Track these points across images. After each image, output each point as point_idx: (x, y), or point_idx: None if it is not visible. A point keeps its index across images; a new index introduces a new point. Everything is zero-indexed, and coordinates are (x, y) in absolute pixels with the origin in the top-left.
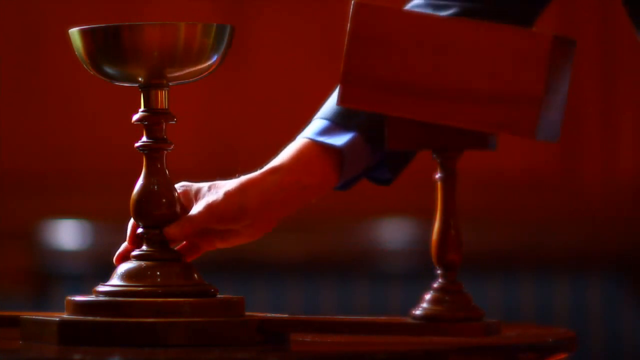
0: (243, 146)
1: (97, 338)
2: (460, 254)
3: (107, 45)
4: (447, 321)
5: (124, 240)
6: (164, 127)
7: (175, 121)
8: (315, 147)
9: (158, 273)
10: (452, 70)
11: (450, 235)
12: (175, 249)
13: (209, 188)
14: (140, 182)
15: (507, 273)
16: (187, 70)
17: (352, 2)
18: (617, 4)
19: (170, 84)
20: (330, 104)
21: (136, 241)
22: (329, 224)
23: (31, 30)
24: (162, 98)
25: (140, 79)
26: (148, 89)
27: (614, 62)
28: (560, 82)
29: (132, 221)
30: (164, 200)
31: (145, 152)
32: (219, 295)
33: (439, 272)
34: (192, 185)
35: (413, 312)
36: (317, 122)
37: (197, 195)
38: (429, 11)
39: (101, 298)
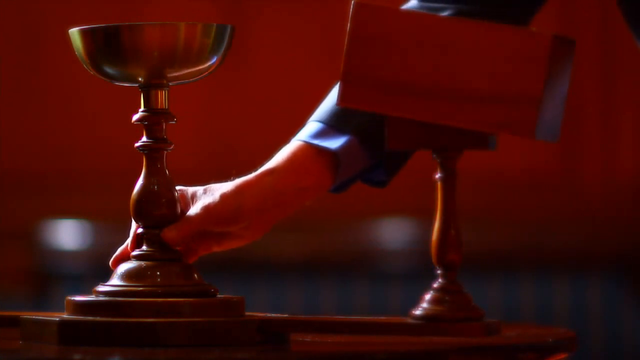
0: (243, 146)
1: (97, 338)
2: (460, 254)
3: (107, 45)
4: (447, 321)
5: (124, 241)
6: (164, 127)
7: (175, 121)
8: (310, 150)
9: (158, 273)
10: (452, 70)
11: (450, 235)
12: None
13: (205, 191)
14: (140, 182)
15: (507, 273)
16: (187, 71)
17: (352, 2)
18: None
19: (170, 84)
20: (325, 106)
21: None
22: (328, 224)
23: (31, 30)
24: (162, 98)
25: (140, 79)
26: (148, 89)
27: (614, 62)
28: (560, 82)
29: (134, 226)
30: (164, 200)
31: (145, 152)
32: (219, 295)
33: (439, 272)
34: (187, 189)
35: (413, 312)
36: (312, 125)
37: (193, 198)
38: None
39: (101, 298)
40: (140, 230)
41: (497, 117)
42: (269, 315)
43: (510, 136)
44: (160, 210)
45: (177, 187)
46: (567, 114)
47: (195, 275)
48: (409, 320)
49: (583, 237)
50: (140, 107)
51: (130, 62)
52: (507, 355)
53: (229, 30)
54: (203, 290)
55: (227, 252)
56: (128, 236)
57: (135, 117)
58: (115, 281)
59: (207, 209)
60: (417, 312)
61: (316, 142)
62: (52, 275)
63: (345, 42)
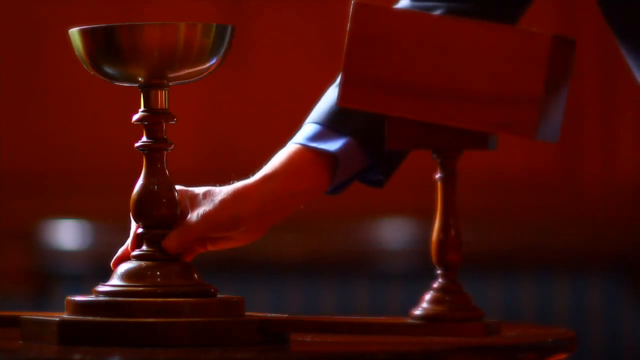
0: (243, 146)
1: (97, 338)
2: (460, 254)
3: (107, 45)
4: (447, 321)
5: (124, 241)
6: (164, 127)
7: (175, 121)
8: (308, 153)
9: (158, 273)
10: (452, 70)
11: (450, 235)
12: None
13: (204, 195)
14: (140, 182)
15: (507, 273)
16: (187, 71)
17: (352, 2)
18: None
19: (170, 84)
20: (321, 107)
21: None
22: (328, 224)
23: (31, 30)
24: (162, 98)
25: (140, 79)
26: (148, 89)
27: (614, 62)
28: (560, 82)
29: (134, 227)
30: (164, 200)
31: (145, 152)
32: (219, 295)
33: (439, 272)
34: (186, 190)
35: (413, 312)
36: (309, 127)
37: (192, 202)
38: None
39: (101, 298)
40: (140, 230)
41: (497, 117)
42: (269, 315)
43: (510, 136)
44: (160, 210)
45: (177, 187)
46: (567, 114)
47: (195, 275)
48: (409, 320)
49: (583, 237)
50: (140, 107)
51: (130, 62)
52: (507, 355)
53: (229, 30)
54: (203, 290)
55: (227, 252)
56: (128, 236)
57: (135, 117)
58: (115, 281)
59: (206, 217)
60: (417, 312)
61: (314, 144)
62: (52, 275)
63: (345, 42)
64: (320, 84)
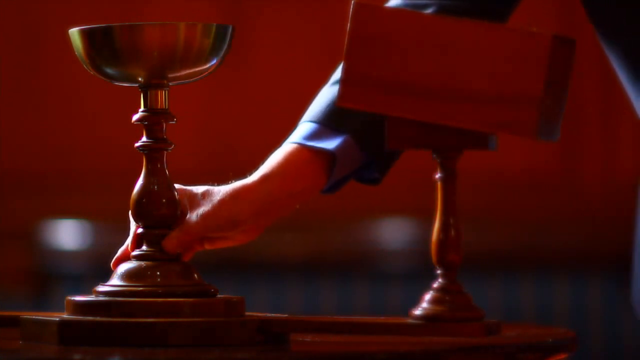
0: (243, 146)
1: (97, 338)
2: (460, 254)
3: (107, 45)
4: (447, 321)
5: (124, 241)
6: (164, 127)
7: (175, 121)
8: (305, 153)
9: (158, 273)
10: (452, 70)
11: (450, 235)
12: None
13: (203, 195)
14: (140, 182)
15: (507, 273)
16: (187, 71)
17: (352, 2)
18: None
19: (170, 84)
20: (317, 106)
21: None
22: (328, 224)
23: (31, 30)
24: (162, 98)
25: (140, 79)
26: (148, 89)
27: None
28: (560, 82)
29: (133, 227)
30: (164, 200)
31: (145, 152)
32: (219, 295)
33: (439, 272)
34: (185, 189)
35: (413, 312)
36: (305, 126)
37: (191, 201)
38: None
39: (101, 298)
40: (140, 230)
41: (497, 117)
42: (269, 315)
43: (510, 136)
44: (160, 210)
45: (177, 186)
46: (567, 114)
47: (195, 275)
48: (409, 320)
49: (583, 237)
50: (140, 107)
51: (130, 62)
52: (507, 355)
53: (229, 30)
54: (203, 290)
55: (227, 252)
56: (128, 236)
57: (135, 117)
58: (115, 281)
59: (205, 218)
60: (417, 312)
61: (312, 143)
62: (52, 275)
63: (345, 42)
64: (320, 84)
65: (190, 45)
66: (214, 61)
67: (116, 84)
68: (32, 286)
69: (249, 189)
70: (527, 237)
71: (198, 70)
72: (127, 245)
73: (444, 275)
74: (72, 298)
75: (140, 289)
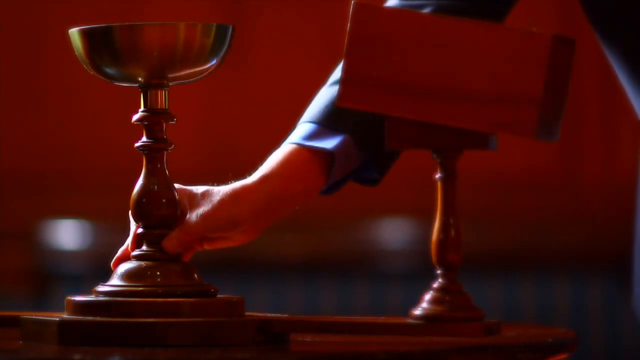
0: (243, 146)
1: (97, 338)
2: (460, 254)
3: (107, 45)
4: (447, 321)
5: (124, 241)
6: (164, 127)
7: (175, 121)
8: (304, 153)
9: (158, 273)
10: (452, 70)
11: (450, 235)
12: None
13: (202, 195)
14: (140, 182)
15: (507, 273)
16: (187, 71)
17: (352, 2)
18: None
19: (170, 84)
20: (316, 106)
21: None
22: (328, 224)
23: (31, 30)
24: (162, 98)
25: (140, 79)
26: (148, 89)
27: None
28: (560, 82)
29: (133, 227)
30: (164, 200)
31: (145, 152)
32: (219, 295)
33: (439, 272)
34: (185, 189)
35: (413, 312)
36: (304, 126)
37: (191, 201)
38: None
39: (101, 298)
40: (140, 230)
41: (497, 117)
42: (269, 315)
43: (510, 136)
44: (160, 210)
45: (177, 186)
46: (567, 114)
47: (195, 275)
48: (409, 320)
49: (583, 237)
50: (140, 107)
51: (130, 62)
52: (507, 355)
53: (229, 30)
54: (203, 290)
55: (227, 252)
56: (128, 236)
57: (135, 117)
58: (115, 281)
59: (205, 219)
60: (417, 312)
61: (311, 143)
62: (52, 275)
63: (345, 42)
64: (320, 84)
65: (190, 45)
66: (214, 61)
67: (116, 84)
68: (32, 286)
69: (249, 189)
70: (527, 237)
71: (198, 70)
72: (127, 245)
73: (444, 275)
74: (72, 298)
75: (140, 289)
